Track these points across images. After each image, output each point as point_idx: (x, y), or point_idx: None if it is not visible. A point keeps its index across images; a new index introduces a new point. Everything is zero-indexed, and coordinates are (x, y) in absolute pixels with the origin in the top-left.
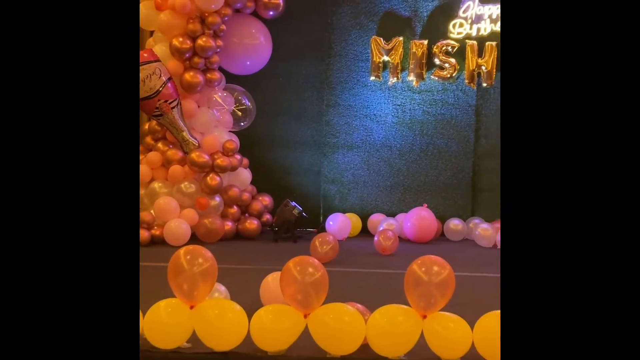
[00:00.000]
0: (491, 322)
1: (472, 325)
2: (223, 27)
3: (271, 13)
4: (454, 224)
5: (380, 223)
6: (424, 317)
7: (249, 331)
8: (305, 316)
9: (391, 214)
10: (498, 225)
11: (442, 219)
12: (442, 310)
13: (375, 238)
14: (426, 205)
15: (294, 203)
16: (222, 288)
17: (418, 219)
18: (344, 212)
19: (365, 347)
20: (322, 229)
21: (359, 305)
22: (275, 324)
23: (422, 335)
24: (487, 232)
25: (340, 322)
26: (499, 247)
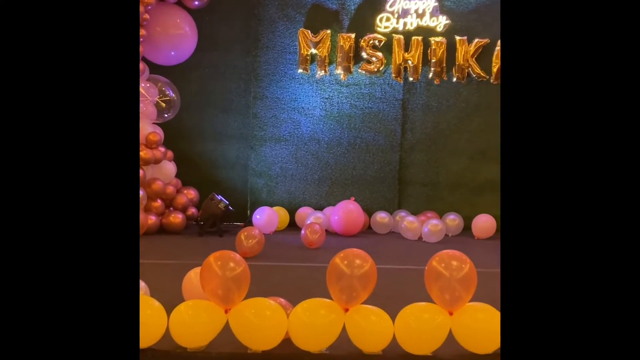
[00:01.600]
0: (413, 314)
1: (395, 317)
2: (146, 16)
3: (196, 3)
4: (381, 217)
5: (308, 216)
6: (347, 310)
7: (168, 327)
8: (226, 311)
9: (319, 208)
10: (423, 218)
11: (369, 212)
12: (365, 303)
13: (302, 232)
14: (353, 198)
15: (220, 197)
16: (142, 284)
17: (345, 212)
18: (272, 205)
19: (287, 342)
20: (248, 222)
21: (282, 300)
22: (195, 320)
23: (344, 329)
24: (412, 224)
25: (262, 317)
26: (424, 239)
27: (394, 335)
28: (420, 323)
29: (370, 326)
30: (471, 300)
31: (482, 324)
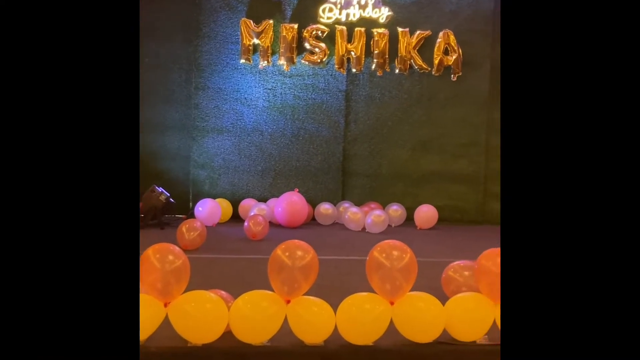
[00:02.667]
0: (355, 305)
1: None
2: None
3: None
4: (325, 208)
5: (251, 208)
6: (288, 302)
7: None
8: (165, 305)
9: (262, 199)
10: (367, 208)
11: (313, 203)
12: (307, 294)
13: (245, 223)
14: (297, 190)
15: (160, 189)
16: None
17: (289, 204)
18: (214, 197)
19: (228, 334)
20: (191, 215)
21: (223, 292)
22: None
23: (286, 320)
24: (356, 215)
25: (202, 310)
26: (367, 230)
27: (335, 326)
28: (362, 313)
29: (312, 317)
30: (412, 290)
31: (423, 313)
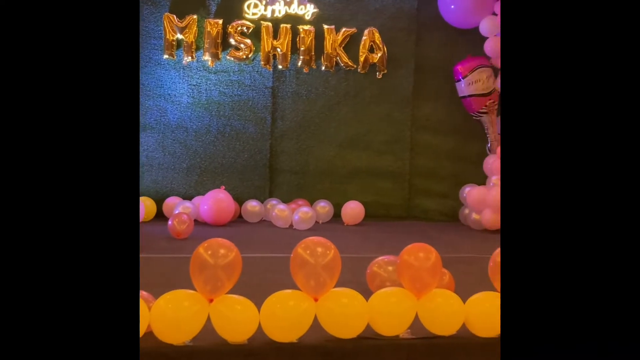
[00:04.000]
0: (279, 302)
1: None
2: None
3: None
4: (252, 205)
5: (176, 206)
6: (211, 300)
7: None
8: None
9: (188, 197)
10: (294, 205)
11: (240, 200)
12: (231, 292)
13: (169, 222)
14: (223, 187)
15: None
16: None
17: (215, 202)
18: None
19: (149, 335)
20: None
21: (144, 293)
22: None
23: (209, 319)
24: (283, 212)
25: None
26: (295, 227)
27: (259, 324)
28: (286, 310)
29: (235, 315)
30: (336, 286)
31: (346, 309)
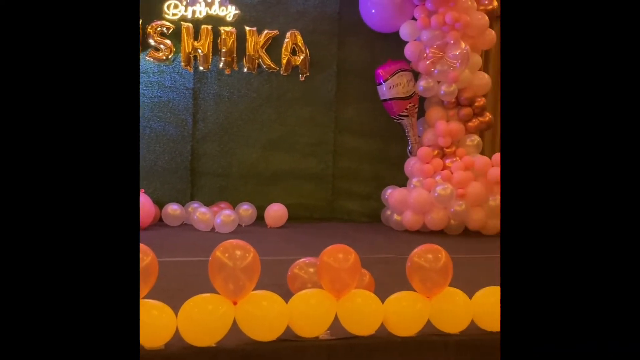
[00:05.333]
0: (197, 306)
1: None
2: None
3: None
4: (172, 208)
5: None
6: None
7: None
8: None
9: None
10: (216, 208)
11: (160, 204)
12: (149, 297)
13: None
14: (143, 190)
15: None
16: None
17: None
18: None
19: None
20: None
21: None
22: None
23: None
24: (205, 216)
25: None
26: (217, 230)
27: (177, 329)
28: (204, 314)
29: (152, 320)
30: (257, 289)
31: (265, 312)
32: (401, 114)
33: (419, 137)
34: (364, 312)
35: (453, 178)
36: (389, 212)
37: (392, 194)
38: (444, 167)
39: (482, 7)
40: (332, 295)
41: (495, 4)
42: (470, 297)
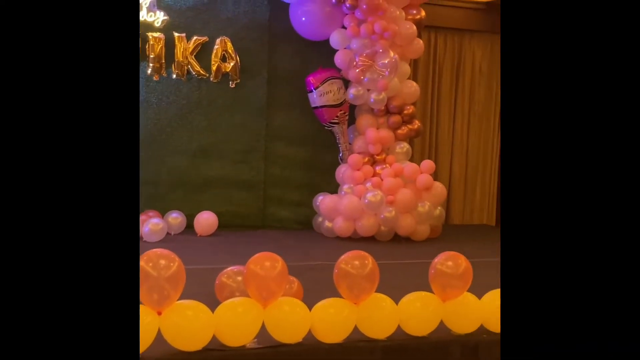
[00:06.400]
0: None
1: None
2: None
3: None
4: None
5: None
6: None
7: None
8: None
9: None
10: (144, 217)
11: None
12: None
13: None
14: None
15: None
16: None
17: None
18: None
19: None
20: None
21: None
22: None
23: None
24: None
25: None
26: (145, 239)
27: None
28: None
29: None
30: (183, 298)
31: (191, 322)
32: (332, 121)
33: (350, 144)
34: (291, 320)
35: (383, 185)
36: (320, 219)
37: (323, 201)
38: (374, 174)
39: (410, 17)
40: (259, 304)
41: (423, 14)
42: (397, 303)
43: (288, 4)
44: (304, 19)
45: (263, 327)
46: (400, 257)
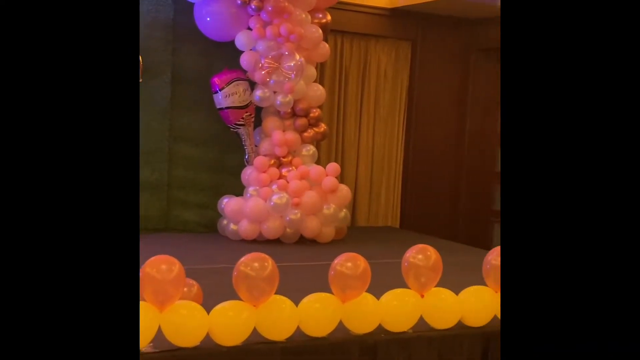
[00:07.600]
0: None
1: None
2: None
3: None
4: None
5: None
6: None
7: None
8: None
9: None
10: None
11: None
12: None
13: None
14: None
15: None
16: None
17: None
18: None
19: None
20: None
21: None
22: None
23: None
24: None
25: None
26: None
27: None
28: None
29: None
30: None
31: None
32: (237, 123)
33: (256, 146)
34: (189, 323)
35: (289, 187)
36: (225, 222)
37: (228, 204)
38: (280, 177)
39: (316, 21)
40: (155, 307)
41: (329, 17)
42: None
43: (192, 4)
44: (209, 19)
45: (159, 331)
46: (305, 259)
